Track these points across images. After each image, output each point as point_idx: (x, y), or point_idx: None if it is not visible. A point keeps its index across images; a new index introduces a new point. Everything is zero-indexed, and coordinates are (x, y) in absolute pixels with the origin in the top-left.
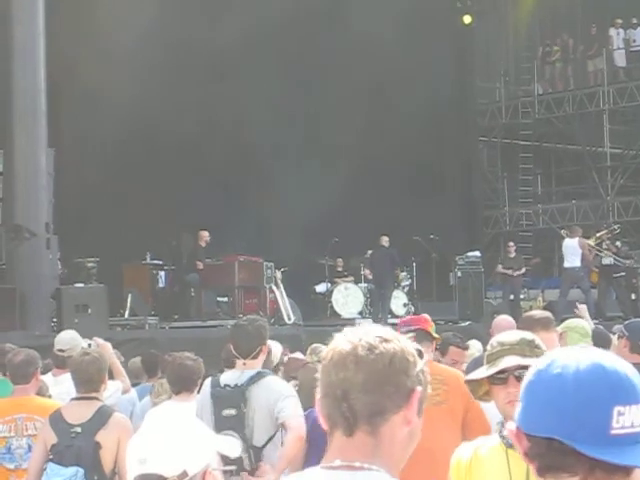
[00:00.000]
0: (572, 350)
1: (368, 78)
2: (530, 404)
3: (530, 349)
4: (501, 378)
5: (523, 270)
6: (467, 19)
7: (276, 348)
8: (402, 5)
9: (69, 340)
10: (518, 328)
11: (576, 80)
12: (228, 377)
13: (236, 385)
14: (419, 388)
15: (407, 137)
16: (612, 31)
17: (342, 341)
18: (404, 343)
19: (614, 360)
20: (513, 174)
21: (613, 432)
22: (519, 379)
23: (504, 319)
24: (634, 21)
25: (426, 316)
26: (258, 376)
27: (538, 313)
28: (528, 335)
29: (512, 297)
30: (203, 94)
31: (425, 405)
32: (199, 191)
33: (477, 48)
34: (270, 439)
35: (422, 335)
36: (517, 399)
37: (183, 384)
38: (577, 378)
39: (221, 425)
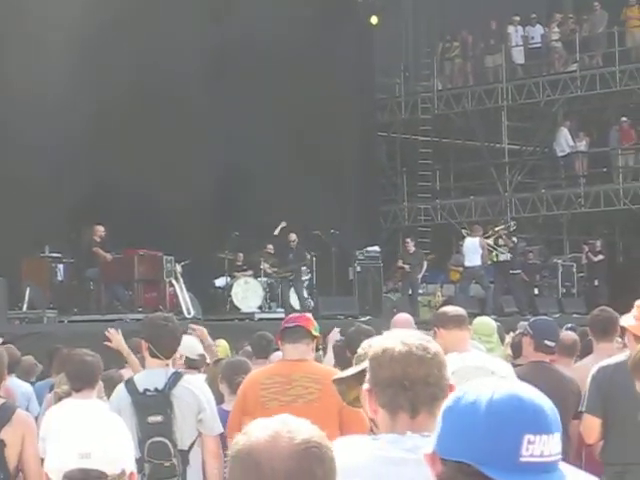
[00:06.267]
0: (492, 380)
1: (269, 74)
2: (445, 429)
3: None
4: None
5: (424, 267)
6: (374, 20)
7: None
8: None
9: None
10: (431, 324)
11: (475, 76)
12: (145, 380)
13: (157, 389)
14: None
15: (306, 132)
16: (510, 28)
17: (395, 342)
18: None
19: (533, 392)
20: (412, 169)
21: (522, 459)
22: None
23: (402, 316)
24: (533, 16)
25: (308, 315)
26: (177, 377)
27: (451, 310)
28: None
29: (410, 292)
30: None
31: (297, 403)
32: (102, 184)
33: (377, 43)
34: (194, 442)
35: (302, 332)
36: None
37: (85, 380)
38: (490, 405)
39: (148, 432)
